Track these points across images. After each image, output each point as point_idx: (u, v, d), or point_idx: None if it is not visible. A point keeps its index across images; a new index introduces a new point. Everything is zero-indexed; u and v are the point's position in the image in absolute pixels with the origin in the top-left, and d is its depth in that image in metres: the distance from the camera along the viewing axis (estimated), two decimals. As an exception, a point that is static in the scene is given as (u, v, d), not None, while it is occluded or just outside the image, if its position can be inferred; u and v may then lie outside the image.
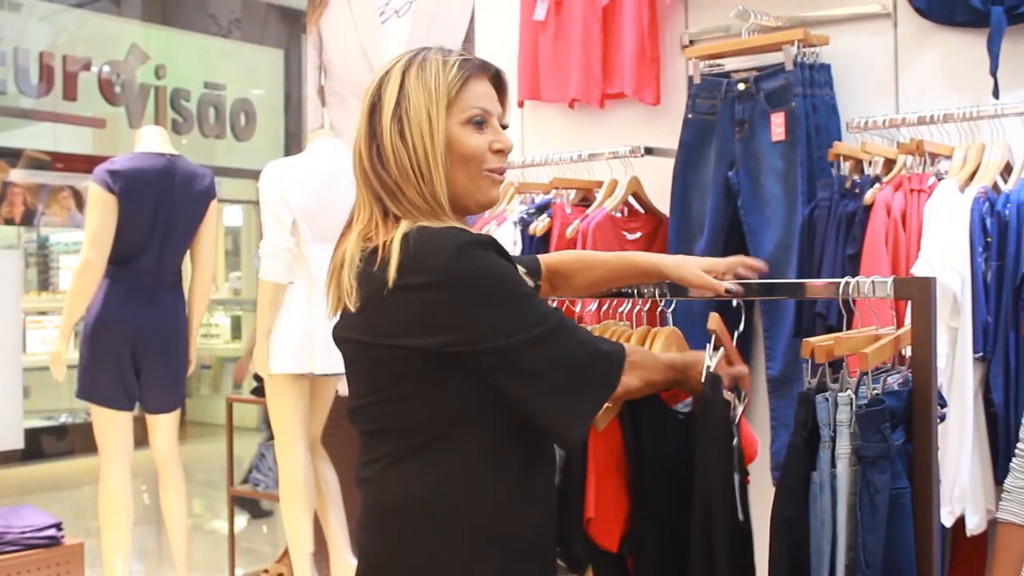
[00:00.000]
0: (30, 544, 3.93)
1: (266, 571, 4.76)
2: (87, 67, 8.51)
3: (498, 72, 1.82)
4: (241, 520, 6.30)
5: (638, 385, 1.80)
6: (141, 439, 4.45)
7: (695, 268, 2.00)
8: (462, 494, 1.66)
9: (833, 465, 1.74)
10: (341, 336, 1.76)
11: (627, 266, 2.09)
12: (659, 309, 2.16)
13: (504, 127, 1.80)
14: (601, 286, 2.13)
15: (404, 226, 1.67)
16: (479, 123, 1.74)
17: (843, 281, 1.90)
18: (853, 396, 1.74)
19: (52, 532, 3.99)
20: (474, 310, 1.60)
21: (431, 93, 1.71)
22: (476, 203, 1.76)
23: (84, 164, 8.17)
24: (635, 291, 2.13)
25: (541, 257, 2.13)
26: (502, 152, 1.76)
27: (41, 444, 8.69)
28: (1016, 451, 1.89)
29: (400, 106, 1.71)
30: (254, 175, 4.28)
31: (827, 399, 1.76)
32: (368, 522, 1.74)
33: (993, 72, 2.92)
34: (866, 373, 1.77)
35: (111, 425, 4.28)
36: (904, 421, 1.79)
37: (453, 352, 1.60)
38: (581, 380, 1.67)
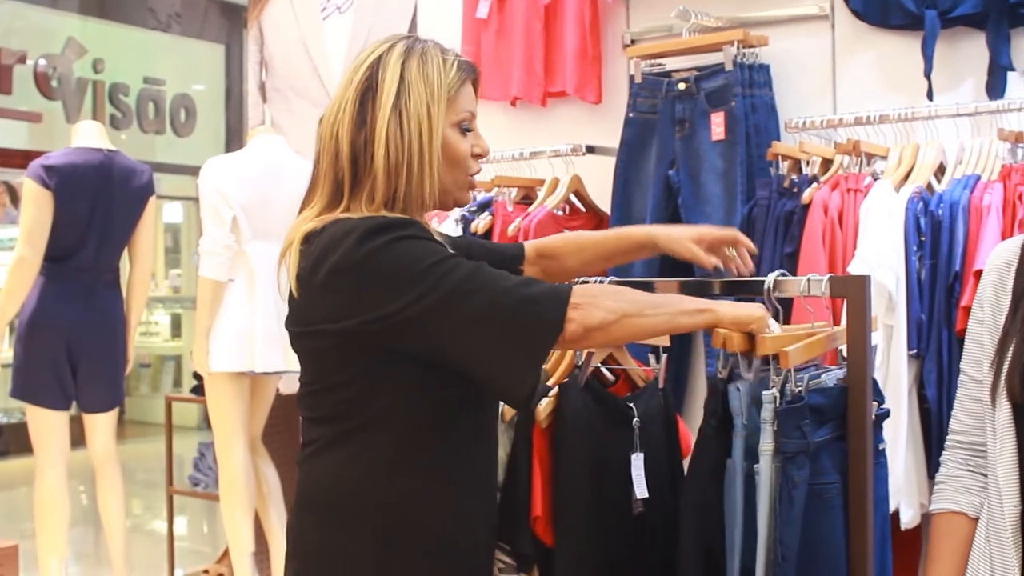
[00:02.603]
0: (-37, 546, 3.87)
1: (206, 571, 4.72)
2: (22, 60, 8.36)
3: (479, 75, 1.86)
4: (181, 520, 6.23)
5: (600, 322, 1.59)
6: (78, 439, 4.39)
7: (686, 241, 2.00)
8: (377, 489, 1.65)
9: (749, 458, 1.76)
10: (287, 325, 1.76)
11: (620, 240, 2.07)
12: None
13: None
14: (597, 265, 2.10)
15: (324, 220, 1.67)
16: (466, 127, 1.77)
17: (776, 276, 1.92)
18: (777, 394, 1.75)
19: (-15, 534, 3.92)
20: (381, 286, 1.58)
21: (433, 91, 1.71)
22: (455, 201, 1.80)
23: (19, 159, 8.02)
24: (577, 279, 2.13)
25: (528, 243, 2.11)
26: (480, 156, 1.80)
27: (-25, 444, 8.54)
28: (947, 444, 1.91)
29: (400, 97, 1.69)
30: (194, 171, 4.23)
31: (738, 388, 1.79)
32: (295, 505, 1.76)
33: (927, 74, 2.97)
34: (790, 370, 1.78)
35: (47, 425, 4.21)
36: (836, 417, 1.81)
37: (372, 330, 1.59)
38: (513, 327, 1.57)
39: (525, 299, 1.58)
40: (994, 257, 1.85)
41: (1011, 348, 1.73)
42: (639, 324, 1.64)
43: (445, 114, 1.72)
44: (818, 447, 1.77)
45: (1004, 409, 1.73)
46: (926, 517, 2.66)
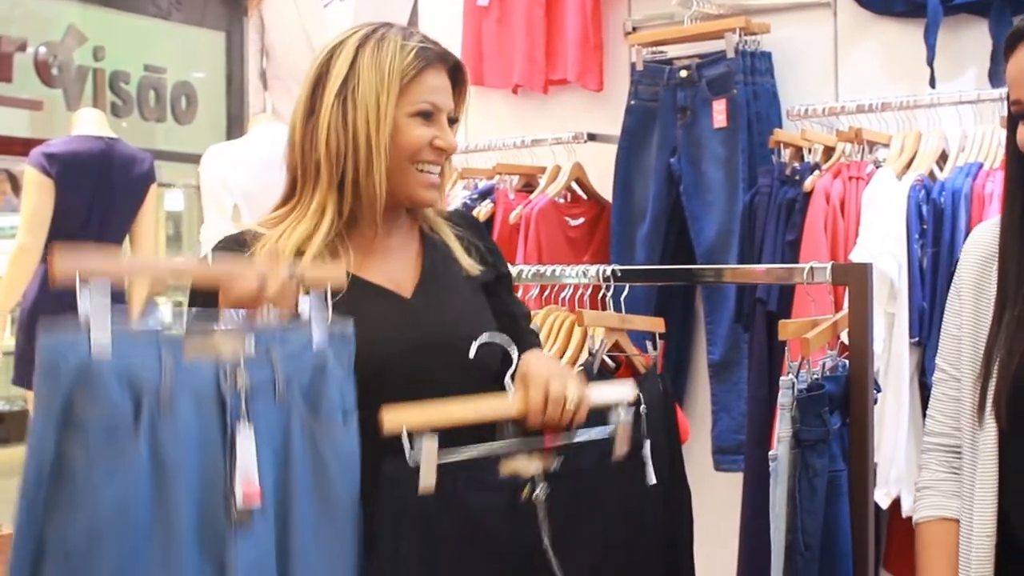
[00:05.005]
0: (-35, 534, 3.87)
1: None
2: (23, 48, 8.32)
3: (458, 64, 1.69)
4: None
5: None
6: (79, 427, 4.39)
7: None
8: None
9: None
10: None
11: None
12: (600, 294, 2.17)
13: (454, 121, 1.69)
14: None
15: (273, 217, 1.71)
16: (427, 116, 1.64)
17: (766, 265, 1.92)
18: (795, 380, 1.75)
19: (-13, 522, 3.93)
20: None
21: (383, 78, 1.59)
22: (408, 198, 1.67)
23: (20, 147, 7.97)
24: (579, 274, 2.13)
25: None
26: (442, 150, 1.65)
27: (-24, 432, 8.54)
28: (925, 446, 1.74)
29: (347, 85, 1.60)
30: (195, 159, 4.23)
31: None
32: None
33: (930, 62, 2.96)
34: (806, 358, 1.78)
35: (48, 413, 4.21)
36: (841, 405, 1.81)
37: None
38: None
39: None
40: (973, 244, 1.74)
41: (996, 364, 1.60)
42: None
43: (396, 103, 1.60)
44: (833, 435, 1.77)
45: (989, 429, 1.60)
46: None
